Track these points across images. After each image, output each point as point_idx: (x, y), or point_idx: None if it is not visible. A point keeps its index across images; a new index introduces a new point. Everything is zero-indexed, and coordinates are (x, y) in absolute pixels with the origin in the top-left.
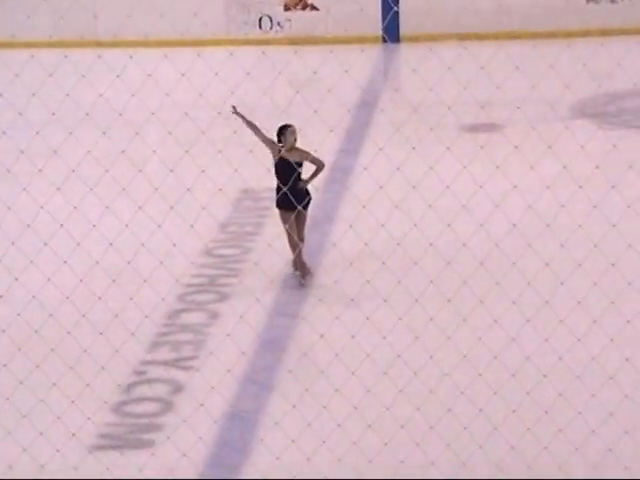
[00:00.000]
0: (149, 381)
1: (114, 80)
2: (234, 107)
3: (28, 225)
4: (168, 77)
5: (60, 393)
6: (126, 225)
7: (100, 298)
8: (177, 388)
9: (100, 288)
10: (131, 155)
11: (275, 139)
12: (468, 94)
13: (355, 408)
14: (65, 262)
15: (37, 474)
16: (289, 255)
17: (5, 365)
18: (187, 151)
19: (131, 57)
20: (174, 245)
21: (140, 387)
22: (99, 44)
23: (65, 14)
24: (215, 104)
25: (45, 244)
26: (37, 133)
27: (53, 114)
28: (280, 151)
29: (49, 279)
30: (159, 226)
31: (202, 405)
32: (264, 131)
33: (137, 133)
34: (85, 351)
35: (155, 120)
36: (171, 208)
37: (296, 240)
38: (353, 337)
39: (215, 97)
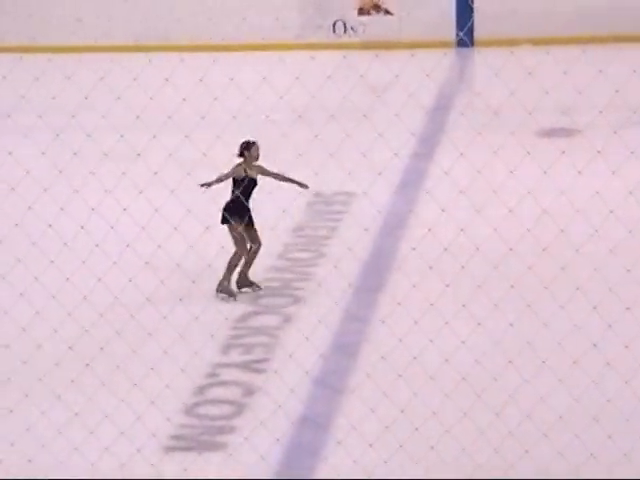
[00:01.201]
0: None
1: (197, 83)
2: (203, 185)
3: (111, 227)
4: (247, 80)
5: (141, 393)
6: (207, 227)
7: (181, 300)
8: (249, 390)
9: (181, 290)
10: (213, 158)
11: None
12: (548, 98)
13: (434, 413)
14: (147, 263)
15: (118, 473)
16: (365, 259)
17: (88, 364)
18: (265, 155)
19: (214, 61)
20: (251, 248)
21: (214, 389)
22: (180, 48)
23: (146, 19)
24: (295, 107)
25: (127, 246)
26: (121, 136)
27: (137, 117)
28: (245, 170)
29: (130, 280)
30: (209, 230)
31: (280, 406)
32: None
33: (218, 136)
34: (165, 352)
35: (236, 123)
36: (252, 210)
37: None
38: (432, 341)
39: (294, 101)
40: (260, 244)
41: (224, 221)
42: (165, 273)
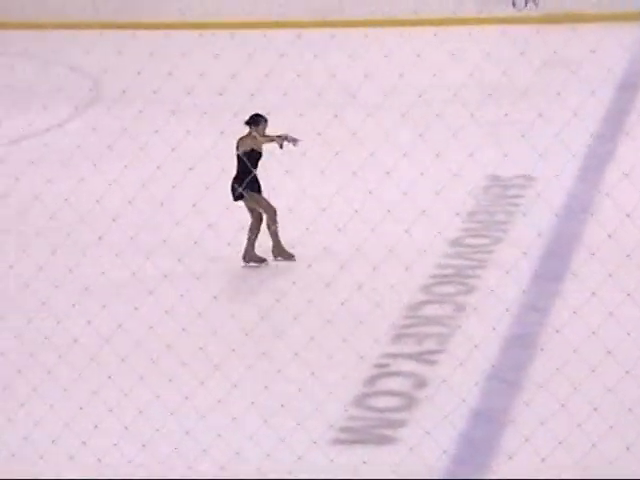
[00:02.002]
0: None
1: (382, 60)
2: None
3: (289, 210)
4: (435, 57)
5: (317, 382)
6: (388, 210)
7: (360, 287)
8: (420, 382)
9: (361, 275)
10: (396, 138)
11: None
12: None
13: (629, 410)
14: (325, 249)
15: (295, 462)
16: (548, 246)
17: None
18: (454, 134)
19: (401, 35)
20: (436, 231)
21: (383, 380)
22: (362, 23)
23: None
24: (483, 84)
25: (307, 229)
26: (301, 115)
27: (319, 94)
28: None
29: (310, 265)
30: (424, 211)
31: (463, 400)
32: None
33: (403, 115)
34: (344, 340)
35: (421, 102)
36: (437, 193)
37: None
38: (629, 334)
39: (481, 77)
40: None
41: (239, 197)
42: (344, 257)
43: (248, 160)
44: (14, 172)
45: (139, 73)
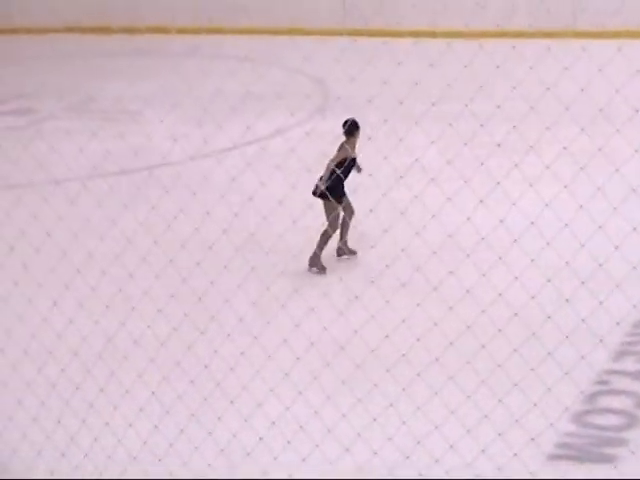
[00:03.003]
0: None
1: (596, 74)
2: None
3: (500, 221)
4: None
5: (521, 395)
6: (600, 227)
7: (567, 300)
8: None
9: (569, 289)
10: (609, 152)
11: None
12: None
13: None
14: (532, 260)
15: (496, 474)
16: None
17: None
18: None
19: (618, 49)
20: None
21: (603, 397)
22: (586, 35)
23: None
24: None
25: (515, 241)
26: (514, 127)
27: (531, 107)
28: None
29: (516, 277)
30: (634, 229)
31: None
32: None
33: (618, 130)
34: (549, 354)
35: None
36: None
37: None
38: None
39: None
40: (353, 212)
41: (322, 196)
42: (552, 271)
43: (343, 167)
44: (260, 176)
45: (385, 82)
